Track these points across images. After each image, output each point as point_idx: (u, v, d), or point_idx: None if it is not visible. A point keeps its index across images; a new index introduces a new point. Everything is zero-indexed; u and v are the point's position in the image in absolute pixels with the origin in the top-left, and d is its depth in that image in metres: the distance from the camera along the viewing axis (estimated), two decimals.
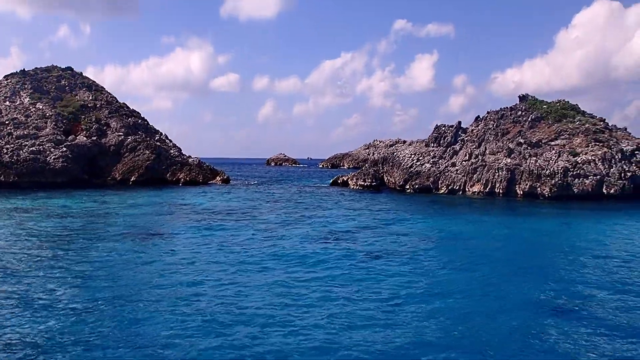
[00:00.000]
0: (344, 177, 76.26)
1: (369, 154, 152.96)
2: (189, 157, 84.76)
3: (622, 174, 56.12)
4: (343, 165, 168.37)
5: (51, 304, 16.25)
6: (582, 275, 21.92)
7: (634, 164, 58.45)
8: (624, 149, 59.58)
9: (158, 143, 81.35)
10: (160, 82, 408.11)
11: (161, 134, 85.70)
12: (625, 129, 67.19)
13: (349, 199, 56.58)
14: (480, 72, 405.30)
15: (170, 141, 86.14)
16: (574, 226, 38.27)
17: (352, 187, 71.47)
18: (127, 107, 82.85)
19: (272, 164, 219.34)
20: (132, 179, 70.40)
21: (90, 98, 79.39)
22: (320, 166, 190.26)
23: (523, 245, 30.76)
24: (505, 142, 62.30)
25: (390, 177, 70.09)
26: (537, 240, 32.69)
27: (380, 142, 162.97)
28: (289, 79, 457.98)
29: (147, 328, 14.37)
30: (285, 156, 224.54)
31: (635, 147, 60.51)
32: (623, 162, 57.79)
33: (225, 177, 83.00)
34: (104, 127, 74.97)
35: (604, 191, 55.32)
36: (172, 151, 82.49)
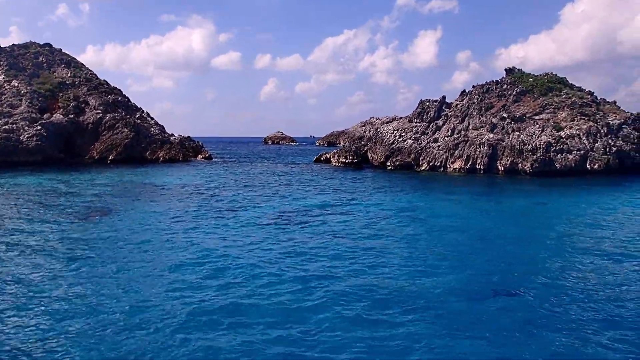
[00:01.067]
0: (327, 154, 74.67)
1: (365, 132, 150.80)
2: (171, 135, 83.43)
3: (607, 149, 54.20)
4: (339, 143, 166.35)
5: None
6: (542, 256, 20.55)
7: (620, 139, 56.46)
8: (611, 123, 57.50)
9: (139, 121, 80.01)
10: (161, 61, 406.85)
11: (142, 111, 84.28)
12: (615, 102, 64.94)
13: (323, 176, 55.02)
14: (485, 48, 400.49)
15: (152, 119, 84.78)
16: (547, 204, 36.55)
17: (334, 164, 69.90)
18: (107, 85, 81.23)
19: (270, 142, 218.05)
20: (110, 157, 69.09)
21: (69, 75, 77.77)
22: (317, 144, 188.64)
23: (489, 224, 29.11)
24: (488, 117, 60.30)
25: (374, 153, 68.29)
26: (503, 219, 31.18)
27: (377, 119, 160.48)
28: (291, 57, 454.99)
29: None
30: (282, 134, 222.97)
31: (622, 120, 58.42)
32: (609, 136, 55.80)
33: (207, 155, 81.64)
34: (82, 105, 73.41)
35: (588, 166, 53.48)
36: (152, 129, 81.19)
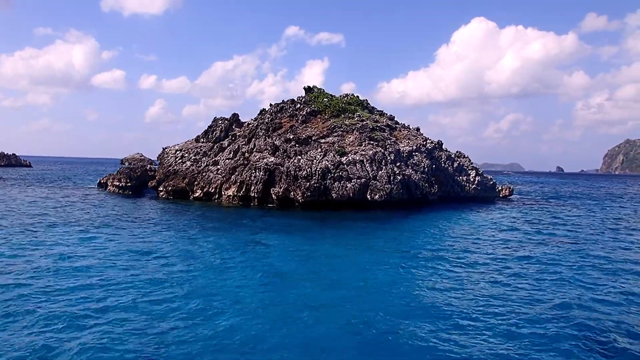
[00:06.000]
0: (107, 177, 63.84)
1: None
2: None
3: (392, 178, 48.70)
4: None
5: None
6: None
7: (410, 167, 51.55)
8: (402, 149, 52.59)
9: None
10: (37, 76, 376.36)
11: None
12: (418, 129, 60.94)
13: (60, 205, 44.35)
14: (368, 81, 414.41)
15: None
16: (264, 244, 28.90)
17: (110, 188, 59.23)
18: None
19: (127, 163, 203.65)
20: None
21: None
22: None
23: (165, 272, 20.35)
24: (274, 138, 53.14)
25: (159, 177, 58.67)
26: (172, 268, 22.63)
27: None
28: (177, 79, 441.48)
29: None
30: (141, 156, 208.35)
31: (414, 148, 53.84)
32: (397, 163, 50.56)
33: None
34: None
35: (368, 197, 47.48)
36: None
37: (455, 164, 58.28)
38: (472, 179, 58.60)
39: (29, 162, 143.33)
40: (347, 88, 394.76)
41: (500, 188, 64.87)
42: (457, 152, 61.41)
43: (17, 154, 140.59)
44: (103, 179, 64.37)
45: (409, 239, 30.90)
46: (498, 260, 24.28)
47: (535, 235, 33.30)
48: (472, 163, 60.92)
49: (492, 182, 61.25)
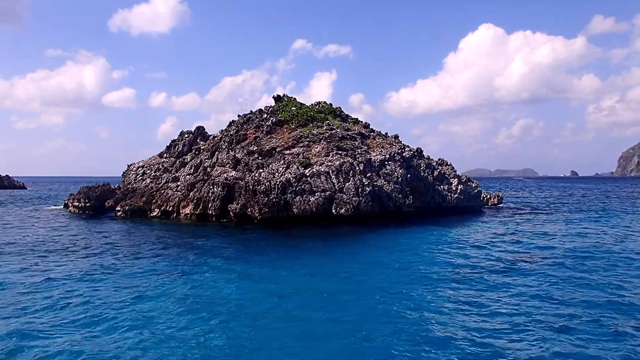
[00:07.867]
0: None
1: None
2: None
3: (360, 189, 44.92)
4: None
5: None
6: None
7: (382, 177, 47.74)
8: (373, 158, 48.82)
9: None
10: (49, 97, 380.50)
11: None
12: (396, 136, 57.15)
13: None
14: (377, 92, 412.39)
15: None
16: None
17: (71, 209, 56.17)
18: None
19: None
20: None
21: None
22: None
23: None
24: (236, 151, 49.78)
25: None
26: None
27: None
28: (187, 96, 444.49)
29: None
30: None
31: (386, 156, 50.02)
32: (368, 174, 46.79)
33: None
34: None
35: (334, 211, 43.69)
36: None
37: (436, 173, 54.31)
38: (454, 188, 54.56)
39: (23, 184, 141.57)
40: (355, 99, 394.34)
41: (488, 196, 60.75)
42: (438, 159, 57.55)
43: (10, 175, 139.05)
44: (67, 199, 61.37)
45: (348, 277, 27.08)
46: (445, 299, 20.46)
47: (502, 263, 29.34)
48: (454, 171, 56.94)
49: (476, 190, 57.12)
